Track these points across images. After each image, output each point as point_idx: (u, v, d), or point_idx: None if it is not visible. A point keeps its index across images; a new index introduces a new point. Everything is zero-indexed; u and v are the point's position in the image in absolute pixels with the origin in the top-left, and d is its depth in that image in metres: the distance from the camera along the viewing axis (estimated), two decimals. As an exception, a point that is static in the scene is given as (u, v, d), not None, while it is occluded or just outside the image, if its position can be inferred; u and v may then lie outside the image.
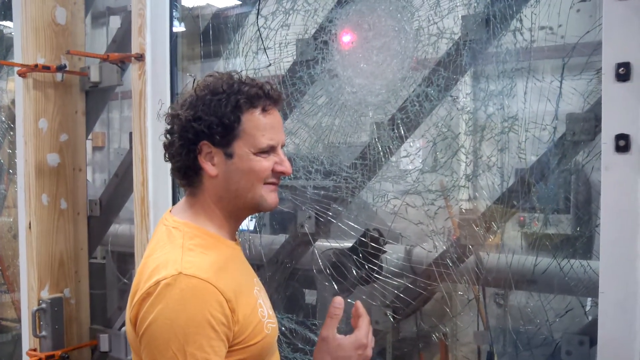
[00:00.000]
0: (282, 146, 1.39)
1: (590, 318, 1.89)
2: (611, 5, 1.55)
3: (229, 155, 1.32)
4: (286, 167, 1.37)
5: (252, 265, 2.47)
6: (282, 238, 2.46)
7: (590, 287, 1.82)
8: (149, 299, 1.22)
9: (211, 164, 1.33)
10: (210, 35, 2.42)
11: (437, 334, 2.25)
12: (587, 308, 1.93)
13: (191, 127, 1.31)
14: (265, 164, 1.33)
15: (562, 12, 1.77)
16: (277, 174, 1.37)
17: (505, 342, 2.18)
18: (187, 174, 1.37)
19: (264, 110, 1.33)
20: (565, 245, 1.95)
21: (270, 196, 1.37)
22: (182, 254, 1.28)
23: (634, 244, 1.56)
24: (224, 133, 1.30)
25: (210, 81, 1.34)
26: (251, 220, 2.44)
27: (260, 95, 1.32)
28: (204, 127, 1.30)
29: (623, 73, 1.54)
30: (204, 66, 2.49)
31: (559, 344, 1.93)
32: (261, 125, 1.32)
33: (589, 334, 1.83)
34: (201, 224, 1.36)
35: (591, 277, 1.81)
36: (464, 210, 2.13)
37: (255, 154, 1.32)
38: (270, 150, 1.34)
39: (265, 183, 1.36)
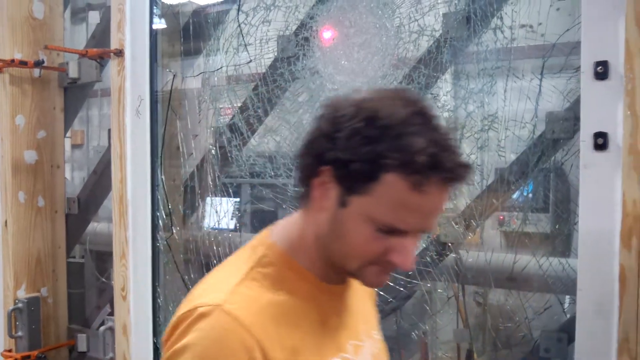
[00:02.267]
0: (422, 232, 1.02)
1: (568, 315, 1.90)
2: (589, 3, 1.56)
3: (343, 203, 0.97)
4: (403, 261, 0.98)
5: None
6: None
7: (568, 285, 1.83)
8: (180, 326, 1.00)
9: (322, 194, 1.00)
10: (190, 31, 2.40)
11: (417, 332, 2.25)
12: (566, 306, 1.94)
13: (322, 144, 0.98)
14: (374, 246, 0.97)
15: (542, 11, 1.78)
16: (387, 262, 1.00)
17: (484, 340, 2.19)
18: (303, 182, 1.06)
19: (418, 186, 0.91)
20: (544, 244, 1.96)
21: (371, 278, 1.03)
22: (239, 282, 1.03)
23: (611, 242, 1.57)
24: (350, 178, 0.95)
25: (383, 102, 0.96)
26: (231, 219, 2.42)
27: (423, 167, 0.90)
28: (333, 155, 0.96)
29: (601, 71, 1.55)
30: (184, 63, 2.47)
31: (537, 341, 1.94)
32: (402, 203, 0.93)
33: (567, 331, 1.84)
34: (292, 252, 1.07)
35: (570, 274, 1.82)
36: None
37: (373, 225, 0.96)
38: (395, 232, 0.96)
39: (371, 264, 1.01)
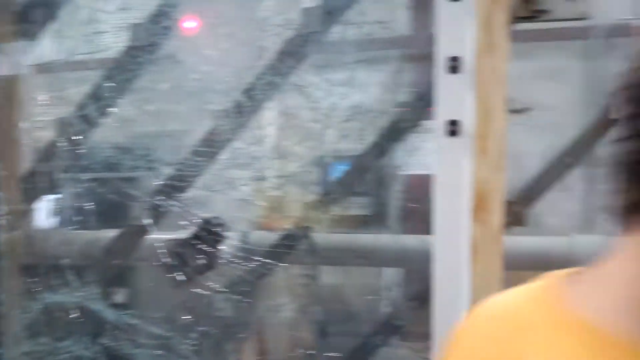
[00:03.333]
0: None
1: (420, 286, 2.10)
2: (443, 5, 1.73)
3: None
4: None
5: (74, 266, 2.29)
6: (113, 232, 2.33)
7: (422, 259, 2.02)
8: None
9: None
10: (30, 12, 2.18)
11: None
12: (418, 277, 2.14)
13: None
14: None
15: (395, 8, 1.94)
16: None
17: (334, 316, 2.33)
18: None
19: None
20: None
21: None
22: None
23: (459, 217, 1.78)
24: None
25: None
26: (77, 216, 2.26)
27: None
28: None
29: (453, 66, 1.74)
30: (22, 47, 2.24)
31: (391, 311, 2.12)
32: None
33: (421, 298, 2.03)
34: (583, 303, 0.55)
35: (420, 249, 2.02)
36: (308, 195, 2.23)
37: None
38: None
39: None
